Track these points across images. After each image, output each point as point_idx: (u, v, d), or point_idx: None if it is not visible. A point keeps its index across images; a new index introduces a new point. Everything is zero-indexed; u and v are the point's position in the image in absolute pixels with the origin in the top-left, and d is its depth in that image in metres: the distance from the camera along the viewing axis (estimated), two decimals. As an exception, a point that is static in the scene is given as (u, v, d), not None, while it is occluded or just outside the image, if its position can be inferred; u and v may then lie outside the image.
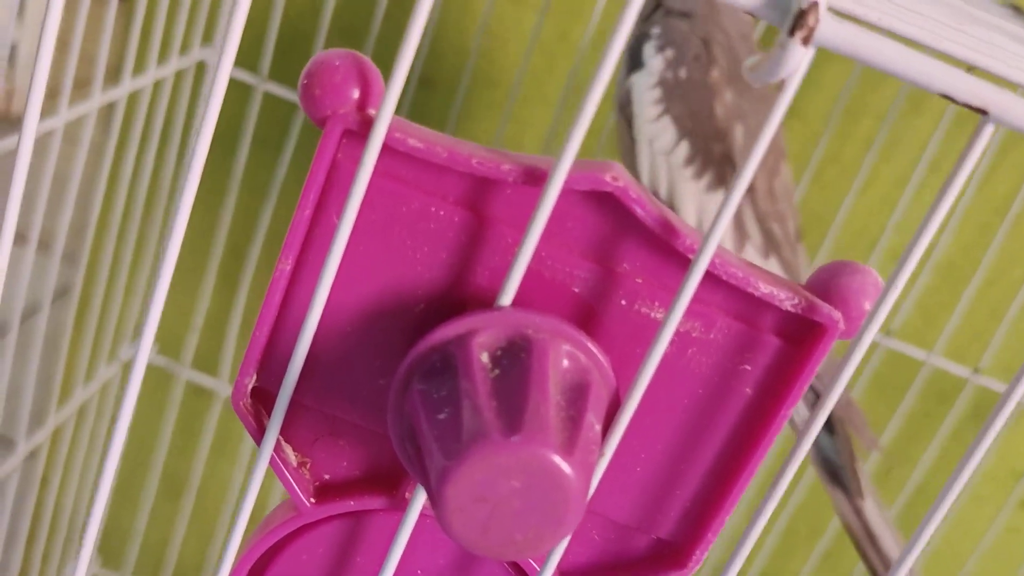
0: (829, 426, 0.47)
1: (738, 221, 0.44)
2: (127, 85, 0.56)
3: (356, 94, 0.19)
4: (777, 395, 0.21)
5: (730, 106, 0.43)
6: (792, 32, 0.16)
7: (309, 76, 0.19)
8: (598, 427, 0.19)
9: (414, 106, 0.62)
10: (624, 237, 0.20)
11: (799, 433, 0.20)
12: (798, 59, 0.17)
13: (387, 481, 0.22)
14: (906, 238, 0.63)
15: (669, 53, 0.39)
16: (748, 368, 0.21)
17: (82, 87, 0.53)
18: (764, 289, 0.20)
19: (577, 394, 0.19)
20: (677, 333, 0.20)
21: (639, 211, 0.19)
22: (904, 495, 0.65)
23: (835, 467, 0.46)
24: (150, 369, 0.71)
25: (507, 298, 0.19)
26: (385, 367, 0.21)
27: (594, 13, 0.59)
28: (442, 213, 0.20)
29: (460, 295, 0.20)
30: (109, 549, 0.75)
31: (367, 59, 0.20)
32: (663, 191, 0.44)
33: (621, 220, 0.20)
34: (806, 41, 0.16)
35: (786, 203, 0.42)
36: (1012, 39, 0.36)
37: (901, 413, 0.64)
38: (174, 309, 0.70)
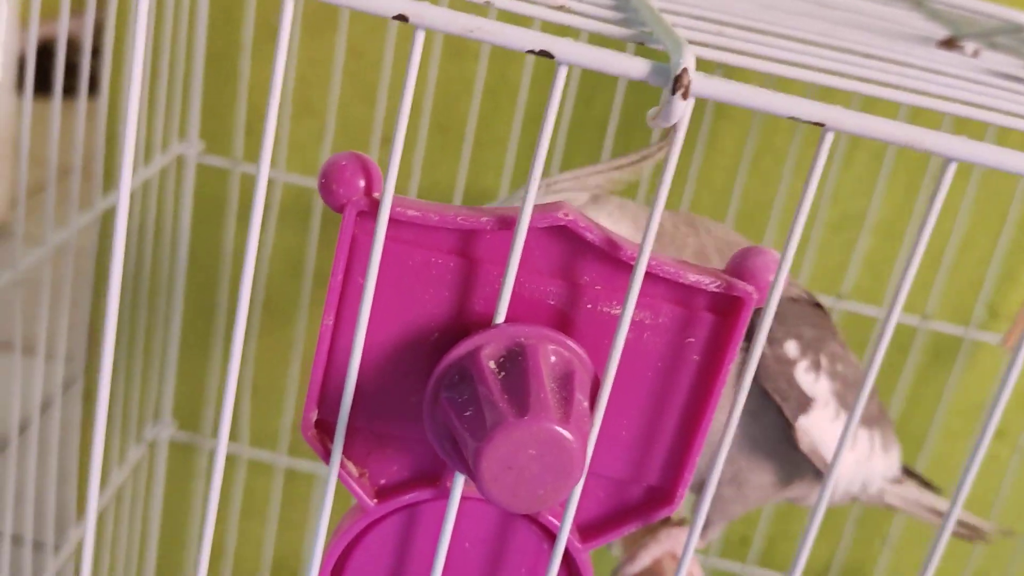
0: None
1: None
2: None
3: (363, 183, 0.25)
4: (717, 357, 0.27)
5: None
6: (674, 91, 0.22)
7: (325, 176, 0.25)
8: (586, 403, 0.25)
9: (380, 164, 0.68)
10: (581, 257, 0.26)
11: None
12: (682, 109, 0.23)
13: (430, 476, 0.28)
14: (843, 210, 0.69)
15: None
16: (692, 340, 0.27)
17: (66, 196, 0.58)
18: (692, 278, 0.26)
19: (566, 380, 0.25)
20: (633, 322, 0.26)
21: (588, 235, 0.26)
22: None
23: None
24: (173, 446, 0.76)
25: (501, 317, 0.25)
26: (415, 387, 0.27)
27: (527, 56, 0.65)
28: (440, 262, 0.26)
29: (465, 321, 0.26)
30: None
31: (367, 156, 0.26)
32: None
33: (576, 244, 0.26)
34: (684, 96, 0.23)
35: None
36: (891, 38, 0.41)
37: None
38: (187, 386, 0.75)
